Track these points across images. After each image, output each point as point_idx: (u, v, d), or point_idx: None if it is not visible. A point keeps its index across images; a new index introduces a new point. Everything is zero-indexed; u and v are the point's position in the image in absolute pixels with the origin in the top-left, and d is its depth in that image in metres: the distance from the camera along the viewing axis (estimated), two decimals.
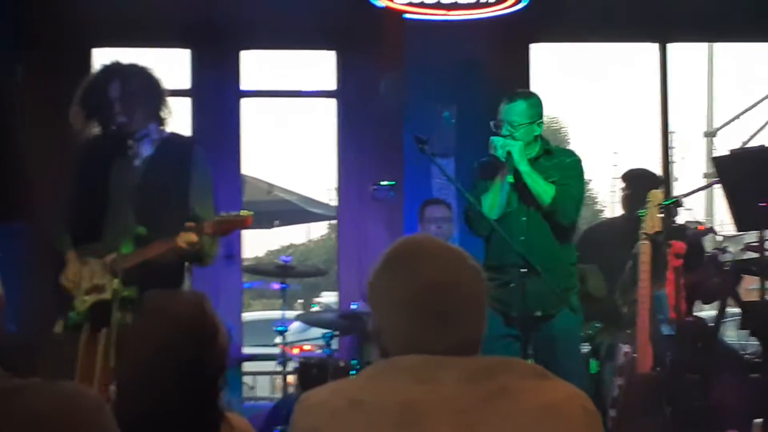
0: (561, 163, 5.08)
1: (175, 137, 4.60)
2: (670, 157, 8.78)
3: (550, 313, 4.95)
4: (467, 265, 2.04)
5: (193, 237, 4.26)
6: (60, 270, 4.45)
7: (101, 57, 7.21)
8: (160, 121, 4.53)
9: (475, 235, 5.00)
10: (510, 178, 4.94)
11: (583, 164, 5.16)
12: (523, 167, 4.94)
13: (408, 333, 1.99)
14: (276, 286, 6.43)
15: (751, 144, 14.37)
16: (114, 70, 4.52)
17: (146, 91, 4.49)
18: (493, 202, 4.99)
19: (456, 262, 2.03)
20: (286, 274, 6.28)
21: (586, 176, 5.30)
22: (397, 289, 2.00)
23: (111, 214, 4.42)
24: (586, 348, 5.77)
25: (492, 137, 5.02)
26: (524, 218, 5.01)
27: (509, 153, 4.93)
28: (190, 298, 2.63)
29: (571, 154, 5.21)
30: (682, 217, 5.29)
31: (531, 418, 1.91)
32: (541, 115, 5.08)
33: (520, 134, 4.98)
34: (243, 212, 4.41)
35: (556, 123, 23.75)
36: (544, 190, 4.94)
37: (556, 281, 4.86)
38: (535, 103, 5.08)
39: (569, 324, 5.00)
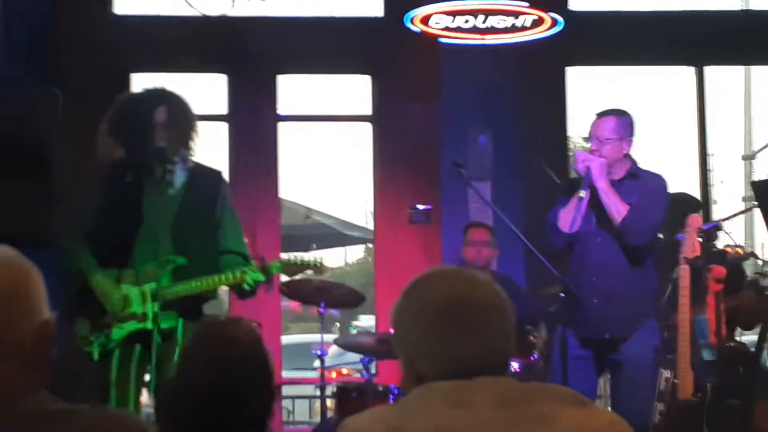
0: (645, 187, 5.01)
1: (202, 168, 4.58)
2: (708, 181, 8.72)
3: (619, 338, 4.92)
4: (487, 283, 2.08)
5: (260, 276, 4.26)
6: (87, 295, 4.39)
7: (140, 82, 7.29)
8: (190, 150, 4.53)
9: (551, 250, 4.95)
10: (582, 194, 4.91)
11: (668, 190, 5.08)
12: (601, 184, 4.89)
13: (438, 348, 2.00)
14: None
15: None
16: (160, 95, 4.52)
17: (185, 119, 4.51)
18: (565, 216, 4.98)
19: (475, 280, 2.08)
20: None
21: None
22: (421, 307, 2.04)
23: (143, 240, 4.39)
24: None
25: (576, 152, 4.99)
26: (599, 239, 4.97)
27: (588, 168, 4.92)
28: (248, 327, 2.64)
29: (659, 179, 5.11)
30: (721, 242, 5.24)
31: None
32: (631, 134, 5.03)
33: (607, 150, 4.94)
34: (316, 258, 4.42)
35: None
36: (616, 209, 4.88)
37: (627, 305, 4.84)
38: (627, 122, 5.03)
39: (639, 350, 4.92)
